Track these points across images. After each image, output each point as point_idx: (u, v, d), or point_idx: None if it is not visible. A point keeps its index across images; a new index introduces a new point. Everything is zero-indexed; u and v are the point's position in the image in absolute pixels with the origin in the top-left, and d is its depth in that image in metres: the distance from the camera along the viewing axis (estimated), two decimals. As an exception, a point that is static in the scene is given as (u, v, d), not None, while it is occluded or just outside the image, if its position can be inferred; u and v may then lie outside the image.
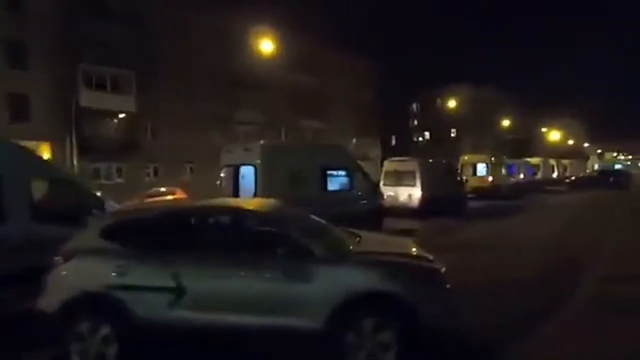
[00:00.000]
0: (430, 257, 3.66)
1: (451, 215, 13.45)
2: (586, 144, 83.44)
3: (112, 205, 7.13)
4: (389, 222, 11.89)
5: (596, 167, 42.48)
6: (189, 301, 3.03)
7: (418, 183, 12.81)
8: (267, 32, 29.00)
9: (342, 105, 41.75)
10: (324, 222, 4.35)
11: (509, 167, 22.68)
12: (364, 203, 10.24)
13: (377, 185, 10.74)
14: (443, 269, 3.41)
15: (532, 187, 24.86)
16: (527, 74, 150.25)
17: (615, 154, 77.13)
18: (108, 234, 3.37)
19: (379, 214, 10.80)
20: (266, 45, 19.84)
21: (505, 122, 49.91)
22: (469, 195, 19.05)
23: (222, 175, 8.67)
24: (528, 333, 3.84)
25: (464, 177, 17.40)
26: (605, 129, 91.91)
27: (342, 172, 9.76)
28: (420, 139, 66.79)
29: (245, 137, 30.83)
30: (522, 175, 24.71)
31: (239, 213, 3.72)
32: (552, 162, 32.55)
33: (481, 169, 19.70)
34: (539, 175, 28.05)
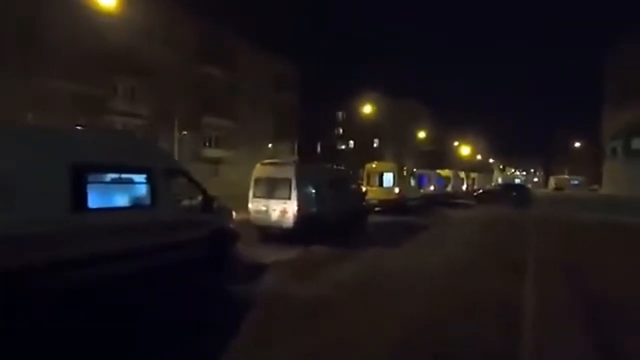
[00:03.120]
0: None
1: (340, 238, 10.36)
2: (491, 160, 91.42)
3: None
4: (248, 251, 8.29)
5: (499, 180, 45.01)
6: None
7: (294, 195, 9.39)
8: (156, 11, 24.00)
9: (259, 106, 37.77)
10: None
11: (419, 178, 20.94)
12: (188, 227, 6.41)
13: (213, 198, 6.98)
14: None
15: (442, 200, 23.64)
16: (444, 92, 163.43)
17: (513, 170, 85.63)
18: None
19: (218, 244, 7.04)
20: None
21: (422, 134, 50.68)
22: (376, 209, 16.58)
23: None
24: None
25: (364, 188, 14.71)
26: (506, 147, 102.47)
27: (134, 177, 5.81)
28: (344, 147, 65.97)
29: (124, 130, 25.06)
30: (432, 187, 23.32)
31: None
32: (462, 174, 32.59)
33: (388, 179, 17.31)
34: (450, 188, 27.32)
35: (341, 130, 68.78)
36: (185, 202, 7.09)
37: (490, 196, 25.99)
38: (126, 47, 24.45)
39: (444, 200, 23.87)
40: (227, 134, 32.42)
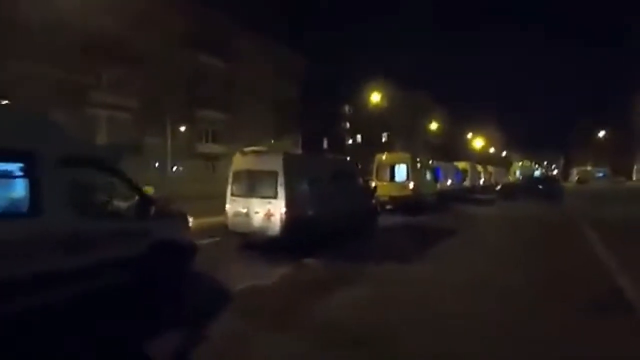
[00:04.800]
0: None
1: (343, 246, 8.14)
2: (504, 152, 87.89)
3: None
4: (215, 271, 6.14)
5: (517, 173, 42.29)
6: None
7: (282, 192, 7.15)
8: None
9: (258, 98, 35.53)
10: None
11: (435, 172, 18.48)
12: (106, 242, 4.23)
13: (153, 200, 4.79)
14: None
15: (461, 196, 21.19)
16: (454, 83, 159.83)
17: (531, 162, 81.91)
18: None
19: (160, 263, 4.83)
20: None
21: (434, 125, 47.97)
22: (387, 207, 14.28)
23: None
24: None
25: (373, 183, 12.42)
26: (520, 139, 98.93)
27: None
28: (351, 141, 63.44)
29: (109, 124, 23.19)
30: (449, 181, 20.86)
31: None
32: (480, 167, 29.99)
33: (401, 172, 14.93)
34: (467, 182, 24.82)
35: (348, 124, 66.31)
36: (119, 205, 4.91)
37: (513, 190, 23.41)
38: (112, 33, 22.45)
39: (462, 196, 21.40)
40: (224, 128, 30.35)
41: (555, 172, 71.00)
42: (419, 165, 15.64)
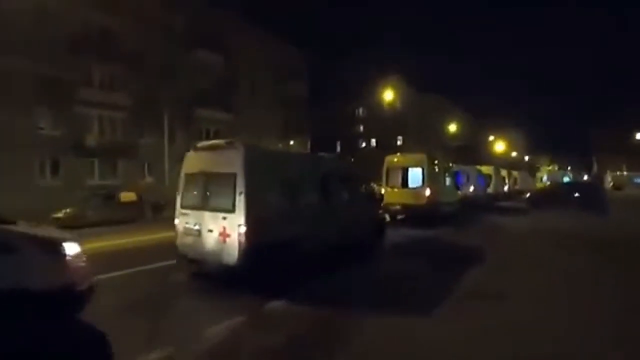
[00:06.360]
0: None
1: (332, 277, 6.00)
2: (527, 157, 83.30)
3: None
4: (130, 315, 4.04)
5: (544, 179, 38.81)
6: None
7: (241, 203, 5.04)
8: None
9: (264, 98, 33.77)
10: None
11: (455, 176, 16.05)
12: None
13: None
14: None
15: (485, 204, 18.63)
16: (475, 84, 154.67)
17: (557, 167, 77.25)
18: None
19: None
20: None
21: (452, 127, 45.12)
22: (398, 217, 12.09)
23: None
24: None
25: (382, 189, 10.17)
26: (545, 143, 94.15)
27: None
28: (364, 144, 60.93)
29: (100, 123, 21.79)
30: (472, 188, 18.34)
31: None
32: (504, 172, 27.14)
33: (415, 176, 12.58)
34: (491, 188, 22.16)
35: (362, 128, 63.87)
36: None
37: (545, 198, 20.57)
38: (105, 28, 21.11)
39: (487, 204, 18.83)
40: (226, 129, 28.52)
41: (585, 177, 66.07)
42: (436, 168, 13.27)
